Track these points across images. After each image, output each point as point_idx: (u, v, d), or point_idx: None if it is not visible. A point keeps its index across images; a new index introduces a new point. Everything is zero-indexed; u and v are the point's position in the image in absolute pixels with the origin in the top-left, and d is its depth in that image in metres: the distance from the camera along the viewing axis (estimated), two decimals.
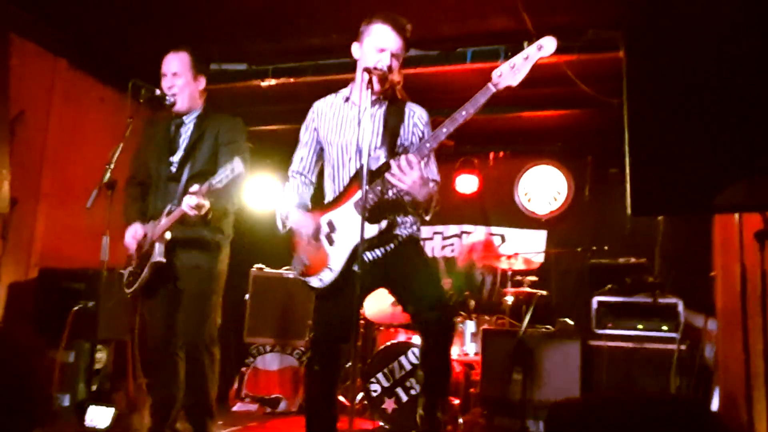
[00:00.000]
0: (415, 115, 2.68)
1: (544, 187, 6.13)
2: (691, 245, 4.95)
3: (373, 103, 2.62)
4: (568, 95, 4.74)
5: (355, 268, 2.40)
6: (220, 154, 3.11)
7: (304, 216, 2.62)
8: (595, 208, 5.85)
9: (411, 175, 2.37)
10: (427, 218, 2.63)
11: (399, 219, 2.61)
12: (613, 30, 3.99)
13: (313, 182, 2.81)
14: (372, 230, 2.48)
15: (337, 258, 2.55)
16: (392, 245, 2.62)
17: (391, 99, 2.68)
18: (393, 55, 2.58)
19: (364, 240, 2.34)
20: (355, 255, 2.49)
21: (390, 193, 2.52)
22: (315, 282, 2.61)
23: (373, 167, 2.48)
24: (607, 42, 4.05)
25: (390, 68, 2.57)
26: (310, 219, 2.60)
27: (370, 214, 2.46)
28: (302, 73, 4.77)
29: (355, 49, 2.67)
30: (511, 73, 2.32)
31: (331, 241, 2.58)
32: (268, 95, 5.11)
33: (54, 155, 4.55)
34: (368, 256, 2.60)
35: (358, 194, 2.50)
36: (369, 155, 2.46)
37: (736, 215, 2.74)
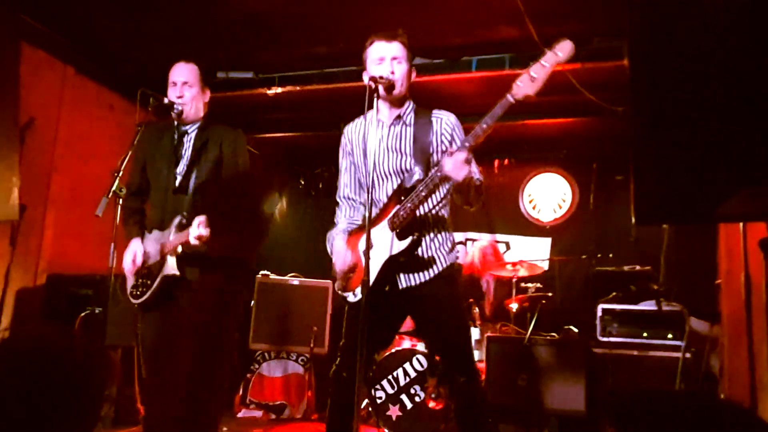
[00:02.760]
0: (443, 122, 2.67)
1: (548, 195, 6.14)
2: (697, 252, 4.95)
3: (397, 120, 2.67)
4: (572, 103, 4.76)
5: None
6: (224, 166, 3.12)
7: (343, 247, 2.67)
8: (600, 216, 5.86)
9: (463, 169, 2.37)
10: (473, 209, 2.64)
11: (430, 236, 2.63)
12: (617, 39, 4.01)
13: (363, 203, 2.82)
14: (400, 246, 2.53)
15: (371, 273, 2.56)
16: (429, 274, 2.61)
17: (416, 112, 2.70)
18: (393, 59, 2.60)
19: (370, 241, 2.37)
20: (386, 268, 2.54)
21: (422, 209, 2.56)
22: (351, 297, 2.64)
23: (409, 184, 2.54)
24: (612, 51, 4.07)
25: (393, 75, 2.59)
26: (347, 253, 2.64)
27: (401, 230, 2.52)
28: (308, 82, 4.80)
29: (365, 76, 2.68)
30: (529, 83, 2.30)
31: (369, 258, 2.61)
32: (275, 103, 5.15)
33: (63, 162, 4.59)
34: (402, 281, 2.61)
35: (393, 212, 2.55)
36: (405, 172, 2.57)
37: (741, 224, 2.74)
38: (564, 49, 2.26)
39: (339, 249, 2.68)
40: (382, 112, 2.67)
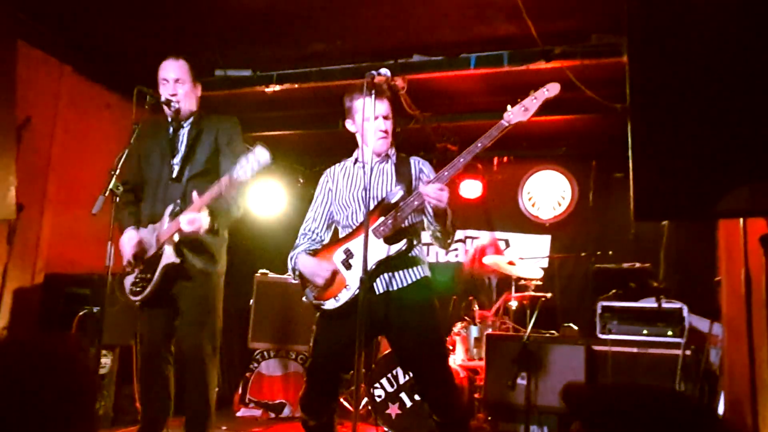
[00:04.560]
0: (420, 162, 2.84)
1: (548, 192, 6.12)
2: (696, 249, 4.94)
3: (381, 161, 2.81)
4: (572, 100, 4.73)
5: (360, 275, 2.45)
6: (221, 154, 3.14)
7: (316, 261, 2.70)
8: (600, 213, 5.85)
9: (444, 194, 2.49)
10: (449, 241, 2.75)
11: (414, 243, 2.69)
12: (616, 35, 4.00)
13: (323, 241, 2.89)
14: (393, 249, 2.60)
15: (353, 278, 2.61)
16: (408, 280, 2.67)
17: (397, 156, 2.85)
18: (385, 118, 2.75)
19: (369, 231, 2.40)
20: (373, 274, 2.60)
21: (408, 219, 2.66)
22: (330, 303, 2.64)
23: (391, 200, 2.65)
24: (611, 47, 4.05)
25: (387, 131, 2.76)
26: (325, 263, 2.68)
27: (389, 237, 2.61)
28: (306, 79, 4.79)
29: (349, 125, 2.83)
30: (521, 112, 2.57)
31: (348, 267, 2.66)
32: (273, 101, 5.13)
33: (60, 161, 4.57)
34: (380, 284, 2.65)
35: (378, 222, 2.62)
36: (388, 191, 2.69)
37: (740, 220, 2.73)
38: (552, 89, 2.60)
39: (308, 262, 2.72)
40: (364, 156, 2.79)
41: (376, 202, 2.69)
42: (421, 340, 2.61)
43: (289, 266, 2.81)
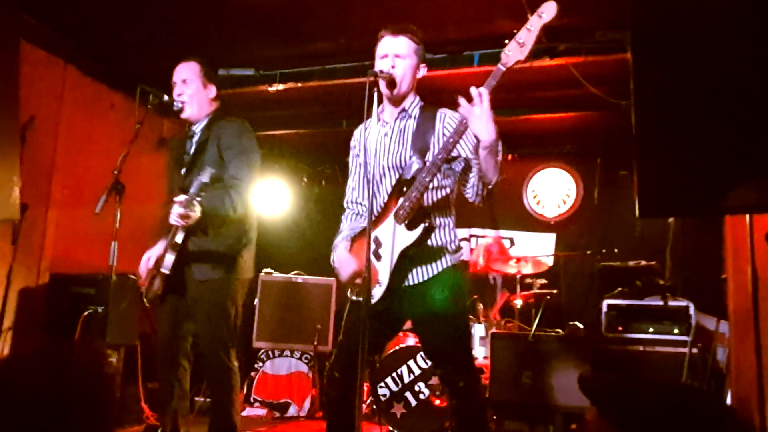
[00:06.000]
0: (446, 117, 2.61)
1: (553, 190, 6.10)
2: (703, 247, 4.91)
3: (402, 114, 2.63)
4: (576, 98, 4.72)
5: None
6: (225, 159, 3.10)
7: (346, 256, 2.59)
8: (605, 211, 5.83)
9: (484, 109, 2.29)
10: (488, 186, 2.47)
11: (438, 220, 2.55)
12: (621, 31, 3.98)
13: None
14: (411, 236, 2.45)
15: (384, 272, 2.51)
16: (437, 268, 2.54)
17: (422, 107, 2.66)
18: (396, 56, 2.58)
19: (371, 236, 2.34)
20: (400, 264, 2.48)
21: (427, 195, 2.49)
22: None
23: (408, 176, 2.49)
24: (616, 43, 4.03)
25: (394, 70, 2.56)
26: (352, 262, 2.57)
27: (409, 221, 2.45)
28: (310, 78, 4.78)
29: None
30: (518, 48, 2.30)
31: (378, 257, 2.54)
32: (276, 100, 5.13)
33: (64, 161, 4.58)
34: (411, 278, 2.54)
35: (398, 204, 2.48)
36: (402, 166, 2.52)
37: (747, 216, 2.71)
38: (547, 10, 2.29)
39: (341, 258, 2.60)
40: (386, 111, 2.64)
41: (389, 175, 2.57)
42: (448, 330, 2.52)
43: (333, 256, 2.67)
